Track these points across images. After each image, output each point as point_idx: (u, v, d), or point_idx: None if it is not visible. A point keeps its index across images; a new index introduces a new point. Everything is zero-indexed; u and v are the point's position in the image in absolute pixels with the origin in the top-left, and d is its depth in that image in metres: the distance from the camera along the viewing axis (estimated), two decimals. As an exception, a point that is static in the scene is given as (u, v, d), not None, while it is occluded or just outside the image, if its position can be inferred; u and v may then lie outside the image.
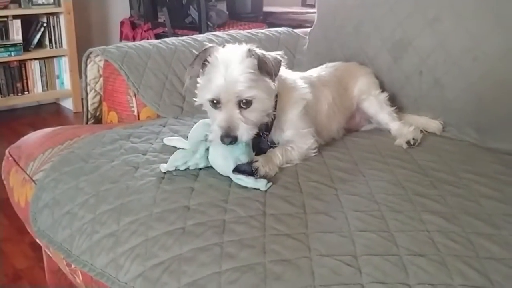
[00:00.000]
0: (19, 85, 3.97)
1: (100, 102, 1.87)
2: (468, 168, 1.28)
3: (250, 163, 1.21)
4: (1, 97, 3.90)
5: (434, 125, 1.54)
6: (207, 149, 1.23)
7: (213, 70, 1.22)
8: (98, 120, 1.90)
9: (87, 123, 1.88)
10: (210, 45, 1.29)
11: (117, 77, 1.76)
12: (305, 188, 1.18)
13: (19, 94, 3.99)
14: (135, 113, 1.74)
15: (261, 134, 1.33)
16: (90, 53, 1.82)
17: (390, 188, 1.17)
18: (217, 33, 2.02)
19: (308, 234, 1.00)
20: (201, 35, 1.98)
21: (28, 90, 4.03)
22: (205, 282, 0.92)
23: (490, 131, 1.44)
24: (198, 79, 1.29)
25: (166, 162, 1.25)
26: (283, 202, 1.11)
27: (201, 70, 1.28)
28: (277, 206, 1.10)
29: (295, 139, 1.34)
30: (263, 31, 2.13)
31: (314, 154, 1.35)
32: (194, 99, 1.32)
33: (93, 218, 1.17)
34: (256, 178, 1.18)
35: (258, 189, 1.16)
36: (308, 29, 2.09)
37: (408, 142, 1.41)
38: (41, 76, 4.08)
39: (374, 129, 1.59)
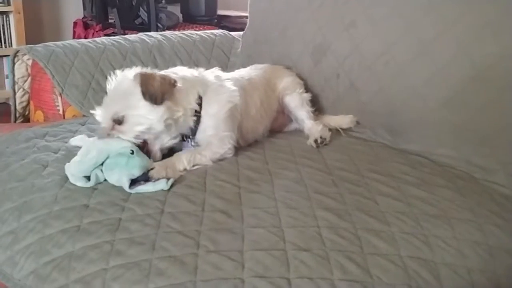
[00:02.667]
0: (-34, 84, 3.89)
1: (28, 101, 1.86)
2: (374, 168, 1.32)
3: (145, 173, 1.18)
4: None
5: (347, 119, 1.59)
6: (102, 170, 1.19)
7: None
8: (27, 119, 1.89)
9: (15, 122, 1.87)
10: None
11: (43, 76, 1.76)
12: (210, 186, 1.20)
13: (-33, 93, 3.90)
14: (61, 112, 1.74)
15: (184, 138, 1.35)
16: (17, 51, 1.81)
17: (292, 186, 1.20)
18: (151, 33, 2.02)
19: (201, 231, 1.02)
20: (133, 35, 1.98)
21: (-24, 90, 3.95)
22: (91, 278, 0.94)
23: (401, 132, 1.49)
24: None
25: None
26: (183, 201, 1.13)
27: None
28: (177, 204, 1.11)
29: (213, 141, 1.34)
30: (199, 32, 2.15)
31: (229, 156, 1.36)
32: None
33: (-4, 216, 1.17)
34: (154, 181, 1.17)
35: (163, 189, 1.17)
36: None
37: (315, 141, 1.44)
38: (-11, 76, 4.01)
39: (295, 130, 1.63)
